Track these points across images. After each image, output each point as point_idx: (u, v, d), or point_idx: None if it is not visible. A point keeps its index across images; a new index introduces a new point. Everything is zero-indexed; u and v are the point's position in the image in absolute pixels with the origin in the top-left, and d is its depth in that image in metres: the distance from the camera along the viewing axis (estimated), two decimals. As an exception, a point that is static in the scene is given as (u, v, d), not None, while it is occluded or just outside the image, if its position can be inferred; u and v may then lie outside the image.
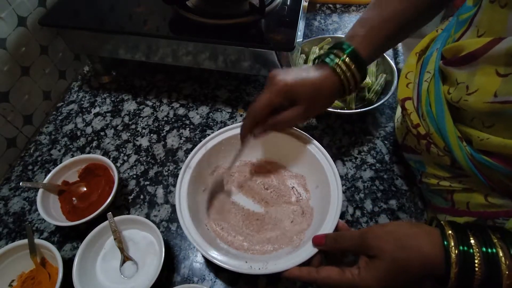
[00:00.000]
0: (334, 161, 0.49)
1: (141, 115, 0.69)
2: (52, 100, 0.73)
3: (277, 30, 0.58)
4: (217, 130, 0.53)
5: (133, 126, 0.67)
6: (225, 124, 0.66)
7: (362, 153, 0.61)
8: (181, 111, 0.69)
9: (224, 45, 0.58)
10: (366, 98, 0.64)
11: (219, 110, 0.69)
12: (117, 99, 0.72)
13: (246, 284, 0.47)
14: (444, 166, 0.45)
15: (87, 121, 0.68)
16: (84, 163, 0.57)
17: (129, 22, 0.62)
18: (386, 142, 0.62)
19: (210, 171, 0.53)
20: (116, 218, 0.49)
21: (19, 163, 0.63)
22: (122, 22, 0.62)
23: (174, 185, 0.47)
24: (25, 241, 0.47)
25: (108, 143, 0.64)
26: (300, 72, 0.43)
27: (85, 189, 0.57)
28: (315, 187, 0.50)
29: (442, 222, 0.34)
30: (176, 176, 0.59)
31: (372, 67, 0.67)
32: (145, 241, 0.50)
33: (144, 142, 0.64)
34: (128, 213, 0.55)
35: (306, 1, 0.68)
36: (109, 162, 0.55)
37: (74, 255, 0.46)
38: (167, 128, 0.66)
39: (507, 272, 0.29)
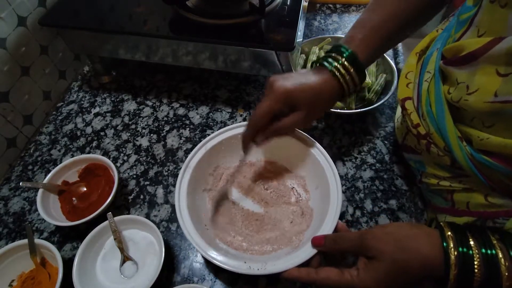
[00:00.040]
0: (334, 161, 0.49)
1: (141, 115, 0.69)
2: (52, 100, 0.73)
3: (277, 30, 0.58)
4: (217, 130, 0.53)
5: (133, 126, 0.67)
6: (225, 124, 0.66)
7: (362, 153, 0.61)
8: (181, 111, 0.69)
9: (224, 45, 0.58)
10: (366, 98, 0.64)
11: (219, 110, 0.69)
12: (117, 99, 0.72)
13: (246, 284, 0.47)
14: (444, 166, 0.45)
15: (87, 121, 0.68)
16: (84, 163, 0.57)
17: (129, 22, 0.62)
18: (386, 142, 0.62)
19: (210, 171, 0.53)
20: (116, 218, 0.49)
21: (19, 163, 0.63)
22: (122, 22, 0.62)
23: (174, 185, 0.47)
24: (25, 241, 0.47)
25: (108, 143, 0.64)
26: (299, 77, 0.43)
27: (85, 189, 0.57)
28: (315, 188, 0.50)
29: (441, 223, 0.34)
30: (176, 176, 0.59)
31: (372, 67, 0.67)
32: (145, 241, 0.50)
33: (144, 142, 0.64)
34: (128, 213, 0.55)
35: (306, 1, 0.68)
36: (109, 162, 0.55)
37: (74, 255, 0.46)
38: (167, 128, 0.66)
39: (506, 274, 0.29)
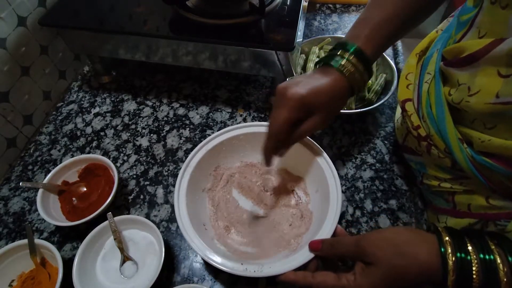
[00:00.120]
0: (334, 161, 0.49)
1: (141, 115, 0.69)
2: (52, 100, 0.73)
3: (277, 30, 0.58)
4: (217, 130, 0.53)
5: (133, 126, 0.67)
6: (225, 124, 0.66)
7: (362, 153, 0.61)
8: (181, 111, 0.69)
9: (224, 45, 0.58)
10: (366, 98, 0.64)
11: (219, 110, 0.69)
12: (117, 99, 0.72)
13: (246, 284, 0.47)
14: (445, 168, 0.45)
15: (87, 121, 0.68)
16: (84, 163, 0.57)
17: (129, 22, 0.62)
18: (386, 142, 0.62)
19: (211, 171, 0.53)
20: (116, 218, 0.49)
21: (19, 163, 0.63)
22: (122, 22, 0.62)
23: (174, 185, 0.47)
24: (25, 241, 0.47)
25: (108, 143, 0.64)
26: (309, 80, 0.42)
27: (85, 189, 0.57)
28: (315, 191, 0.50)
29: (439, 228, 0.34)
30: (176, 176, 0.59)
31: (372, 67, 0.67)
32: (145, 241, 0.50)
33: (144, 142, 0.64)
34: (128, 213, 0.55)
35: (306, 1, 0.68)
36: (109, 162, 0.55)
37: (74, 255, 0.46)
38: (167, 128, 0.66)
39: (505, 279, 0.29)
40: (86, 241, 0.48)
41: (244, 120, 0.67)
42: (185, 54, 0.63)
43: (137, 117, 0.68)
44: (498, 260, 0.30)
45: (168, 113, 0.69)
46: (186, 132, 0.65)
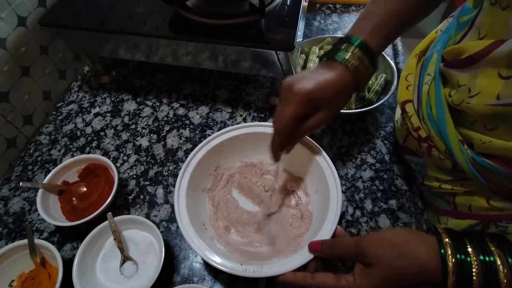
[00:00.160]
0: (334, 161, 0.49)
1: (141, 115, 0.69)
2: (52, 100, 0.73)
3: (277, 30, 0.58)
4: (217, 130, 0.53)
5: (133, 126, 0.67)
6: (225, 124, 0.66)
7: (362, 153, 0.61)
8: (181, 111, 0.69)
9: (224, 45, 0.58)
10: (366, 98, 0.64)
11: (219, 110, 0.69)
12: (117, 99, 0.72)
13: (246, 284, 0.47)
14: (446, 169, 0.44)
15: (87, 121, 0.68)
16: (84, 163, 0.57)
17: (129, 22, 0.62)
18: (386, 142, 0.62)
19: (211, 171, 0.53)
20: (116, 218, 0.49)
21: (19, 163, 0.63)
22: (122, 22, 0.62)
23: (174, 185, 0.47)
24: (25, 241, 0.47)
25: (108, 143, 0.64)
26: (315, 76, 0.42)
27: (85, 189, 0.57)
28: (315, 192, 0.50)
29: (439, 229, 0.34)
30: (176, 176, 0.59)
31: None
32: (145, 241, 0.50)
33: (144, 142, 0.64)
34: (128, 213, 0.55)
35: (306, 1, 0.68)
36: (109, 162, 0.55)
37: (74, 255, 0.46)
38: (167, 128, 0.66)
39: (505, 281, 0.29)
40: (86, 241, 0.47)
41: (244, 120, 0.67)
42: (185, 54, 0.63)
43: (137, 117, 0.68)
44: (498, 262, 0.30)
45: (168, 113, 0.69)
46: (186, 132, 0.65)
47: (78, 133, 0.67)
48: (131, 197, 0.57)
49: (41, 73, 0.69)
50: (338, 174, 0.47)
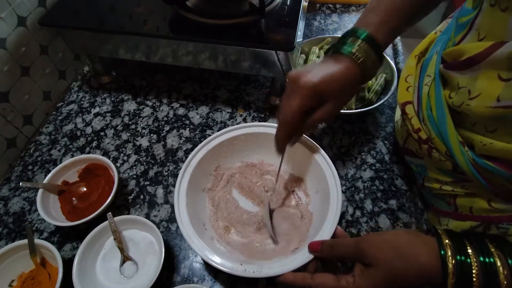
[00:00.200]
0: (334, 161, 0.48)
1: (141, 115, 0.69)
2: (52, 100, 0.73)
3: (277, 30, 0.58)
4: (217, 130, 0.53)
5: (133, 126, 0.67)
6: (225, 124, 0.66)
7: (362, 153, 0.61)
8: (181, 111, 0.69)
9: (224, 45, 0.58)
10: (366, 98, 0.64)
11: (219, 110, 0.69)
12: (117, 99, 0.72)
13: (246, 284, 0.47)
14: (446, 171, 0.44)
15: (87, 121, 0.68)
16: (84, 163, 0.57)
17: (129, 22, 0.62)
18: (386, 142, 0.62)
19: (211, 171, 0.53)
20: (116, 218, 0.49)
21: (19, 163, 0.63)
22: (122, 22, 0.62)
23: (174, 185, 0.47)
24: (25, 241, 0.47)
25: (108, 143, 0.64)
26: (321, 68, 0.41)
27: (85, 189, 0.57)
28: (315, 192, 0.50)
29: (439, 230, 0.34)
30: (176, 176, 0.59)
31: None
32: (145, 241, 0.50)
33: (144, 142, 0.64)
34: (128, 213, 0.55)
35: (306, 1, 0.68)
36: (109, 162, 0.55)
37: (74, 255, 0.46)
38: (167, 128, 0.66)
39: (505, 282, 0.29)
40: (86, 241, 0.47)
41: (244, 120, 0.67)
42: (185, 54, 0.63)
43: (137, 117, 0.68)
44: (498, 263, 0.30)
45: (168, 113, 0.69)
46: (186, 132, 0.65)
47: (78, 133, 0.67)
48: (131, 197, 0.57)
49: (41, 73, 0.69)
50: (338, 174, 0.47)
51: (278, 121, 0.43)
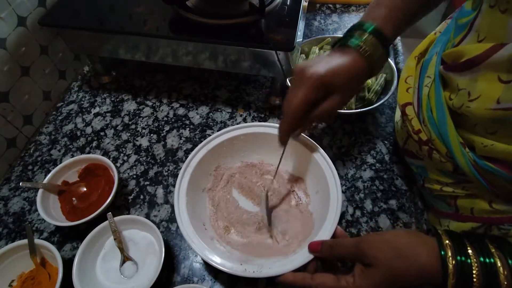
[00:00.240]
0: (334, 161, 0.48)
1: (141, 115, 0.69)
2: (52, 100, 0.73)
3: (277, 30, 0.58)
4: (217, 130, 0.53)
5: (133, 126, 0.67)
6: (225, 124, 0.66)
7: (362, 153, 0.61)
8: (181, 111, 0.69)
9: (224, 45, 0.58)
10: (366, 98, 0.64)
11: (219, 110, 0.69)
12: (117, 99, 0.72)
13: (246, 284, 0.47)
14: (447, 172, 0.44)
15: (87, 121, 0.68)
16: (84, 163, 0.57)
17: (129, 22, 0.62)
18: (386, 142, 0.62)
19: (211, 171, 0.53)
20: (116, 218, 0.49)
21: (19, 163, 0.63)
22: (122, 22, 0.62)
23: (174, 185, 0.47)
24: (25, 241, 0.47)
25: (108, 143, 0.64)
26: (327, 61, 0.41)
27: (85, 189, 0.57)
28: (315, 192, 0.50)
29: (439, 231, 0.34)
30: (176, 176, 0.59)
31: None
32: (145, 241, 0.50)
33: (144, 142, 0.64)
34: (128, 213, 0.55)
35: (306, 1, 0.68)
36: (109, 162, 0.55)
37: (74, 255, 0.46)
38: (167, 128, 0.66)
39: (505, 283, 0.29)
40: (86, 241, 0.47)
41: (244, 120, 0.67)
42: (185, 54, 0.63)
43: (137, 117, 0.68)
44: (499, 264, 0.30)
45: (168, 113, 0.69)
46: (186, 132, 0.65)
47: (78, 133, 0.67)
48: (131, 197, 0.57)
49: (41, 73, 0.69)
50: (338, 174, 0.47)
51: (283, 112, 0.43)
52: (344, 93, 0.42)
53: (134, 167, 0.61)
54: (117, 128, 0.67)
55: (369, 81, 0.64)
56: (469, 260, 0.30)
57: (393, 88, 0.62)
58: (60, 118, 0.69)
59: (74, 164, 0.57)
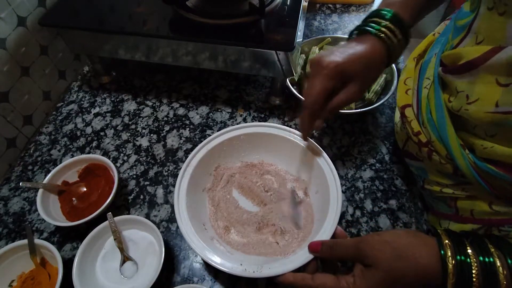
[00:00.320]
0: (334, 161, 0.48)
1: (141, 115, 0.69)
2: (52, 100, 0.73)
3: (277, 30, 0.58)
4: (217, 130, 0.53)
5: (133, 126, 0.67)
6: (225, 124, 0.66)
7: (362, 153, 0.61)
8: (181, 111, 0.69)
9: (224, 45, 0.58)
10: (366, 98, 0.64)
11: (219, 110, 0.69)
12: (117, 99, 0.72)
13: (246, 284, 0.47)
14: (447, 174, 0.44)
15: (87, 121, 0.68)
16: (84, 163, 0.57)
17: (129, 22, 0.62)
18: (386, 142, 0.62)
19: (211, 171, 0.53)
20: (116, 218, 0.49)
21: (19, 163, 0.63)
22: (122, 22, 0.62)
23: (174, 185, 0.47)
24: (25, 241, 0.47)
25: (108, 143, 0.64)
26: (345, 49, 0.41)
27: (85, 189, 0.57)
28: (315, 192, 0.50)
29: (438, 230, 0.34)
30: (176, 176, 0.59)
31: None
32: (145, 241, 0.50)
33: (144, 142, 0.64)
34: (128, 213, 0.55)
35: (306, 1, 0.68)
36: (109, 162, 0.55)
37: (74, 255, 0.46)
38: (167, 128, 0.66)
39: (505, 282, 0.29)
40: (86, 241, 0.47)
41: (244, 120, 0.67)
42: (185, 54, 0.63)
43: (137, 117, 0.68)
44: (498, 263, 0.30)
45: (168, 113, 0.69)
46: (186, 132, 0.65)
47: (78, 133, 0.67)
48: (131, 197, 0.57)
49: (41, 73, 0.69)
50: (338, 174, 0.47)
51: (302, 105, 0.43)
52: (362, 82, 0.41)
53: (134, 167, 0.61)
54: (117, 128, 0.67)
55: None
56: (468, 260, 0.30)
57: (393, 88, 0.62)
58: (60, 118, 0.69)
59: (74, 164, 0.57)
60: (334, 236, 0.41)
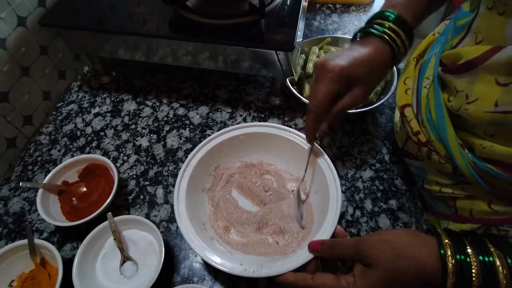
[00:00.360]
0: (334, 161, 0.49)
1: (141, 115, 0.69)
2: (52, 100, 0.73)
3: (277, 30, 0.58)
4: (217, 130, 0.53)
5: (133, 126, 0.67)
6: (225, 124, 0.66)
7: (362, 153, 0.61)
8: (181, 111, 0.69)
9: (224, 45, 0.58)
10: (366, 98, 0.64)
11: (219, 110, 0.69)
12: (117, 99, 0.72)
13: (246, 284, 0.47)
14: (446, 173, 0.44)
15: (87, 121, 0.68)
16: (84, 163, 0.57)
17: (129, 22, 0.62)
18: (386, 142, 0.62)
19: (210, 171, 0.53)
20: (116, 218, 0.49)
21: (19, 163, 0.63)
22: (122, 22, 0.62)
23: (174, 185, 0.47)
24: (25, 241, 0.47)
25: (108, 143, 0.64)
26: (349, 52, 0.41)
27: (85, 189, 0.57)
28: (315, 192, 0.50)
29: (438, 230, 0.34)
30: (176, 176, 0.59)
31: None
32: (145, 241, 0.50)
33: (144, 142, 0.64)
34: (128, 213, 0.55)
35: (306, 1, 0.68)
36: (109, 162, 0.55)
37: (74, 255, 0.46)
38: (167, 128, 0.66)
39: (504, 282, 0.29)
40: (86, 241, 0.47)
41: (244, 120, 0.67)
42: (185, 54, 0.63)
43: (137, 117, 0.68)
44: (498, 263, 0.30)
45: (168, 113, 0.69)
46: (186, 132, 0.65)
47: (78, 133, 0.67)
48: (131, 197, 0.57)
49: (41, 73, 0.69)
50: (338, 174, 0.47)
51: (307, 109, 0.43)
52: (367, 85, 0.42)
53: (134, 167, 0.61)
54: (117, 128, 0.67)
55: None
56: (468, 259, 0.30)
57: (393, 88, 0.62)
58: (60, 118, 0.69)
59: (74, 164, 0.57)
60: (334, 235, 0.41)
